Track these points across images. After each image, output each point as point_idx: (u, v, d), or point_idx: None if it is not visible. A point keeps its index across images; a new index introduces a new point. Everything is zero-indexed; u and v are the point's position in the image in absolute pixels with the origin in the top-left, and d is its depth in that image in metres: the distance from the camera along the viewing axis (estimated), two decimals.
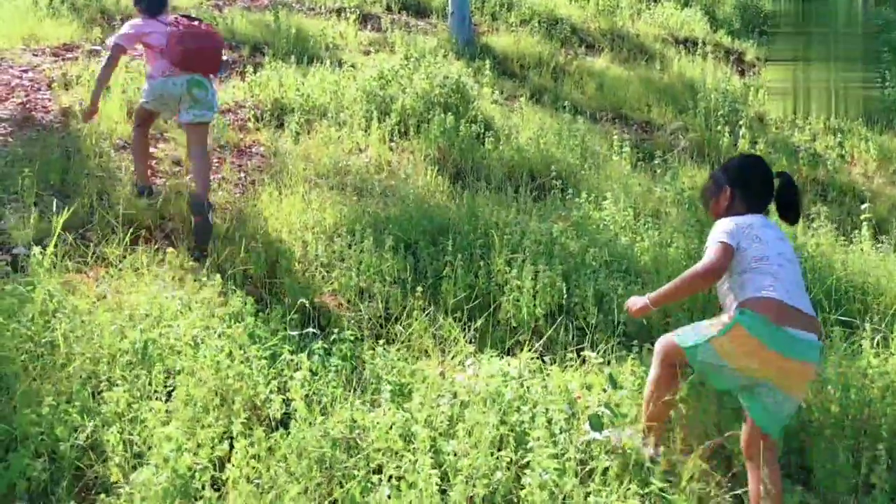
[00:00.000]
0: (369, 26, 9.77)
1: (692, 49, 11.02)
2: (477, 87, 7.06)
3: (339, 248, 4.14)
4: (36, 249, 3.36)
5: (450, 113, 6.31)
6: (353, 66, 7.60)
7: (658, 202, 5.55)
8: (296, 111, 6.28)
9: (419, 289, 3.71)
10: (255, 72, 7.18)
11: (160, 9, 4.63)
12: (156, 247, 4.02)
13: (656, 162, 6.39)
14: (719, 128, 7.30)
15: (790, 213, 2.90)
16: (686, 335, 2.73)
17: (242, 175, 5.22)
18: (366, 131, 6.19)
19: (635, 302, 2.80)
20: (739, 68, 10.11)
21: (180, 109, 4.48)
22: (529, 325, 3.52)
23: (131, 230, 4.06)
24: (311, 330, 3.30)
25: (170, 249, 3.96)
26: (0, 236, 3.89)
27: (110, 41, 4.66)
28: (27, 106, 5.81)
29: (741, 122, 7.23)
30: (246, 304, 3.29)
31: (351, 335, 3.17)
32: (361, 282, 3.80)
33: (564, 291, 3.74)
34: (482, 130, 6.37)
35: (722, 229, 2.73)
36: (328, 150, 5.75)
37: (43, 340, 2.89)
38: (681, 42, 11.27)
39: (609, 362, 3.23)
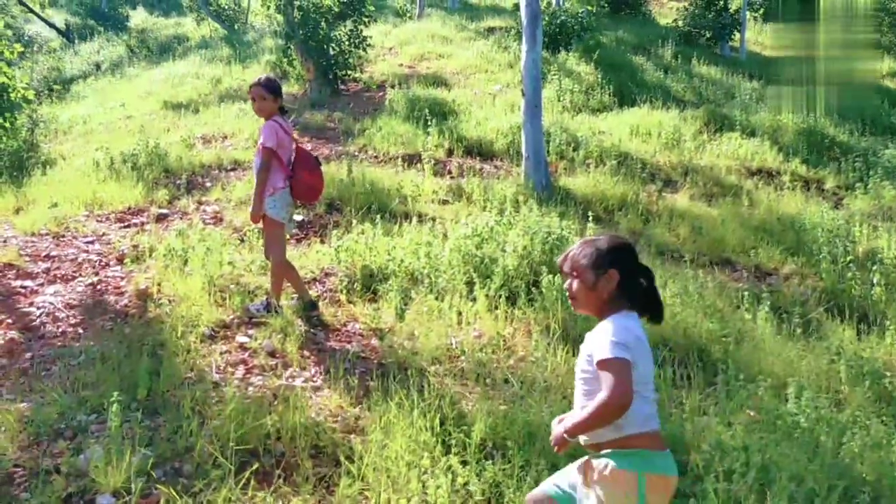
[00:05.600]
0: (440, 173, 9.36)
1: (768, 180, 10.50)
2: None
3: (492, 475, 3.31)
4: None
5: (558, 274, 5.62)
6: (437, 220, 7.04)
7: (827, 377, 4.70)
8: (389, 279, 5.62)
9: None
10: (334, 231, 6.64)
11: (281, 94, 4.72)
12: (269, 483, 3.23)
13: (796, 321, 5.58)
14: (850, 274, 6.52)
15: (661, 310, 2.41)
16: None
17: (349, 369, 4.45)
18: (469, 297, 5.50)
19: (556, 435, 2.35)
20: (834, 202, 9.46)
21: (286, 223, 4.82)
22: None
23: (236, 456, 3.29)
24: None
25: (285, 489, 3.17)
26: (81, 480, 3.12)
27: (263, 143, 4.63)
28: (98, 287, 5.22)
29: (875, 268, 6.42)
30: None
31: None
32: None
33: None
34: None
35: (619, 340, 2.21)
36: (433, 326, 5.04)
37: None
38: (754, 173, 10.75)
39: None
